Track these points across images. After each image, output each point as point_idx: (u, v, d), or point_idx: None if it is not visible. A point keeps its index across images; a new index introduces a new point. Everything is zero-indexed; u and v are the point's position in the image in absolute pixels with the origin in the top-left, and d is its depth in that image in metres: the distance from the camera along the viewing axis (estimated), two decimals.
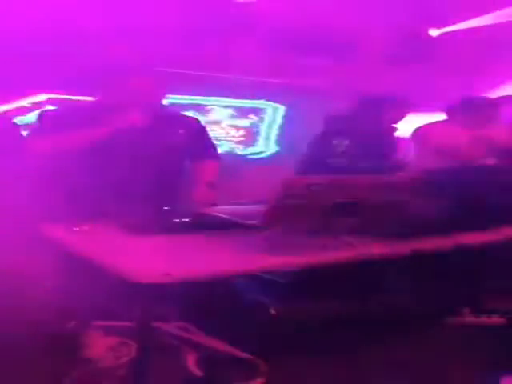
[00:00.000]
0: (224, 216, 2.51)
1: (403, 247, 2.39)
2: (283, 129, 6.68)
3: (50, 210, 2.96)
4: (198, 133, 3.24)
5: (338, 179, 2.26)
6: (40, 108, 4.75)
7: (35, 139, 2.93)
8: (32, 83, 5.06)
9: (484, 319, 3.20)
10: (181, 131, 3.07)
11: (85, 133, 2.84)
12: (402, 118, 4.05)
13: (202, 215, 2.59)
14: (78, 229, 2.35)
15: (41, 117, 3.06)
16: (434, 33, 5.96)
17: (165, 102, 3.15)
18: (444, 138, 3.84)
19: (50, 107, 4.77)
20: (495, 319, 3.16)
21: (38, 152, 2.94)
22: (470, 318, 3.22)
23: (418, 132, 4.06)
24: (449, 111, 4.09)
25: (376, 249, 2.31)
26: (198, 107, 6.04)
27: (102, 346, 2.55)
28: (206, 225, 2.48)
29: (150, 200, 2.77)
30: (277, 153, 6.70)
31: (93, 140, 2.83)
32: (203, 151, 3.22)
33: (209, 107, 6.21)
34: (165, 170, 2.97)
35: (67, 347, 2.56)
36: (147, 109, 2.92)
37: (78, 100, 4.82)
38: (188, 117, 3.39)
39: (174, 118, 3.18)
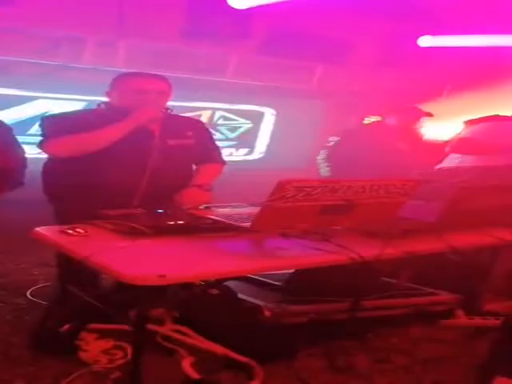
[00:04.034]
0: (218, 218, 2.51)
1: (396, 249, 2.40)
2: (277, 132, 6.70)
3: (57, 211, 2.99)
4: (205, 136, 3.24)
5: (330, 181, 2.27)
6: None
7: (49, 141, 2.92)
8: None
9: (478, 321, 3.21)
10: (189, 134, 3.08)
11: (105, 132, 2.84)
12: None
13: (196, 217, 2.59)
14: (72, 231, 2.35)
15: (49, 121, 3.05)
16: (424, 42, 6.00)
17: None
18: None
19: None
20: (489, 321, 3.17)
21: (53, 153, 2.94)
22: (464, 320, 3.23)
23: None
24: None
25: (368, 251, 2.32)
26: (193, 111, 6.06)
27: (97, 349, 2.55)
28: (199, 227, 2.49)
29: (150, 202, 2.78)
30: (270, 155, 6.72)
31: (113, 137, 2.83)
32: (209, 154, 3.23)
33: (203, 111, 6.23)
34: (172, 173, 2.97)
35: (62, 349, 2.56)
36: (156, 108, 2.94)
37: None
38: (194, 120, 3.39)
39: (181, 121, 3.18)
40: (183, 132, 3.07)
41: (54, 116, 3.19)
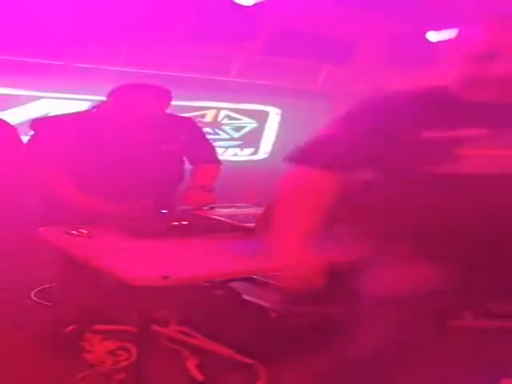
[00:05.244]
0: (222, 219, 2.50)
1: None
2: (281, 131, 6.69)
3: (50, 211, 2.98)
4: (197, 136, 3.22)
5: None
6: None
7: (34, 148, 2.91)
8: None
9: (485, 322, 3.18)
10: (180, 137, 3.06)
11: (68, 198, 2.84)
12: None
13: (200, 218, 2.59)
14: (75, 232, 2.35)
15: (37, 124, 3.04)
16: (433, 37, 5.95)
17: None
18: None
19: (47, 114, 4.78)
20: (496, 323, 3.14)
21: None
22: (471, 321, 3.20)
23: None
24: None
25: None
26: (197, 110, 6.05)
27: (102, 350, 2.55)
28: (203, 228, 2.48)
29: (148, 204, 2.77)
30: (274, 155, 6.71)
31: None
32: (203, 155, 3.21)
33: (207, 110, 6.23)
34: (164, 176, 2.97)
35: (67, 351, 2.56)
36: (144, 122, 2.93)
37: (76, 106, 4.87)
38: (186, 120, 3.36)
39: (172, 123, 3.16)
40: (175, 136, 3.04)
41: (42, 128, 3.11)
